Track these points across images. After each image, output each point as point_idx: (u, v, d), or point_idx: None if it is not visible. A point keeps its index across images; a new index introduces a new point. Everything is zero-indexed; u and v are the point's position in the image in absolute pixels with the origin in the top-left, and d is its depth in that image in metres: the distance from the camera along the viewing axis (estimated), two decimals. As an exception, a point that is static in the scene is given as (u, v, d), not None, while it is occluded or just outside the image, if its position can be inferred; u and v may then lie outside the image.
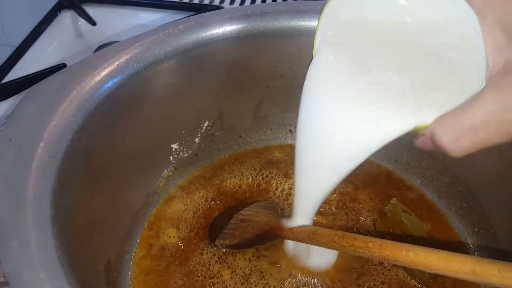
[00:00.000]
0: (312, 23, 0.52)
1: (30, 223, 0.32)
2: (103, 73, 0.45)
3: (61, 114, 0.40)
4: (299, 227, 0.45)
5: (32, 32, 0.83)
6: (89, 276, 0.38)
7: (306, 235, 0.44)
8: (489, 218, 0.50)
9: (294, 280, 0.48)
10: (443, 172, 0.55)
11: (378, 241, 0.38)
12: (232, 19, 0.51)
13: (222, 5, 0.92)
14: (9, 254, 0.30)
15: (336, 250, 0.43)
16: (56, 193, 0.35)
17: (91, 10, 0.88)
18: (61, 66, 0.75)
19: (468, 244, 0.52)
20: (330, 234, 0.42)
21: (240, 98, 0.58)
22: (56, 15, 0.89)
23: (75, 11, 0.88)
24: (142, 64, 0.47)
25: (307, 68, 0.55)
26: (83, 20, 0.88)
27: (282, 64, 0.56)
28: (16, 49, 0.79)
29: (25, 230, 0.31)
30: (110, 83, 0.45)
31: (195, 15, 0.53)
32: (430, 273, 0.46)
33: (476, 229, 0.52)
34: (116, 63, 0.46)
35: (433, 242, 0.51)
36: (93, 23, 0.86)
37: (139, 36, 0.49)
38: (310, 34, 0.52)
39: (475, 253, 0.51)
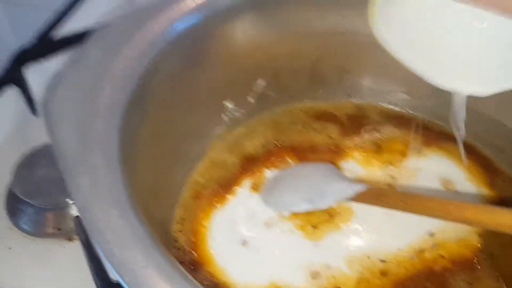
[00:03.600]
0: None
1: (99, 162, 0.31)
2: (166, 19, 0.43)
3: (125, 59, 0.39)
4: (366, 189, 0.43)
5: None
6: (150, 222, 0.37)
7: (373, 197, 0.42)
8: None
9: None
10: None
11: (456, 202, 0.36)
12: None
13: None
14: (80, 190, 0.29)
15: (406, 211, 0.40)
16: (122, 135, 0.34)
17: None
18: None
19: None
20: (401, 195, 0.40)
21: (297, 56, 0.55)
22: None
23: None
24: (205, 13, 0.45)
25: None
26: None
27: (344, 20, 0.53)
28: (62, 11, 0.78)
29: (95, 168, 0.30)
30: (173, 30, 0.43)
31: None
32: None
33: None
34: (179, 10, 0.44)
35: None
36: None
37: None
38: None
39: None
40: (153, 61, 0.41)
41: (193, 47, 0.45)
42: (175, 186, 0.50)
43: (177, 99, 0.47)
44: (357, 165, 0.53)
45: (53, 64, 0.69)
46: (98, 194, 0.29)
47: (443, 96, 0.55)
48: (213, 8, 0.45)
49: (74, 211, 0.52)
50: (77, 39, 0.67)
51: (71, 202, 0.52)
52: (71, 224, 0.52)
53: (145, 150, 0.40)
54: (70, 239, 0.53)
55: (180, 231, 0.47)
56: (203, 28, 0.45)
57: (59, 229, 0.54)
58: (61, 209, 0.54)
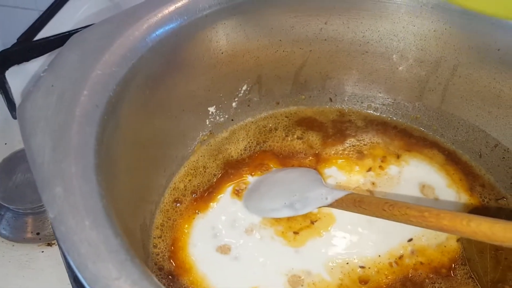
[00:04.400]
0: (364, -18, 0.49)
1: (74, 170, 0.30)
2: (146, 25, 0.43)
3: (104, 63, 0.38)
4: (345, 195, 0.43)
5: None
6: (127, 231, 0.37)
7: (351, 203, 0.42)
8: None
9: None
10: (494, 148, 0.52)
11: (434, 210, 0.36)
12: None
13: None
14: (54, 200, 0.28)
15: (384, 218, 0.40)
16: (98, 142, 0.34)
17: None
18: (93, 27, 0.74)
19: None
20: (379, 202, 0.40)
21: (281, 62, 0.55)
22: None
23: (109, -27, 0.86)
24: (186, 18, 0.45)
25: (354, 32, 0.53)
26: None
27: (328, 27, 0.53)
28: (45, 12, 0.77)
29: (69, 177, 0.30)
30: (153, 35, 0.43)
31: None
32: (492, 276, 0.44)
33: (528, 207, 0.49)
34: (160, 15, 0.44)
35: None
36: (126, -16, 0.83)
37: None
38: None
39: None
40: (132, 67, 0.40)
41: (173, 52, 0.45)
42: (157, 192, 0.50)
43: (158, 105, 0.46)
44: (339, 172, 0.53)
45: (35, 66, 0.69)
46: (71, 204, 0.28)
47: (425, 102, 0.56)
48: (193, 13, 0.45)
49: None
50: (60, 42, 0.66)
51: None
52: (51, 229, 0.52)
53: (124, 156, 0.39)
54: (49, 244, 0.52)
55: (159, 237, 0.47)
56: (183, 33, 0.45)
57: (38, 234, 0.53)
58: (40, 214, 0.54)
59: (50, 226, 0.50)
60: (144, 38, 0.42)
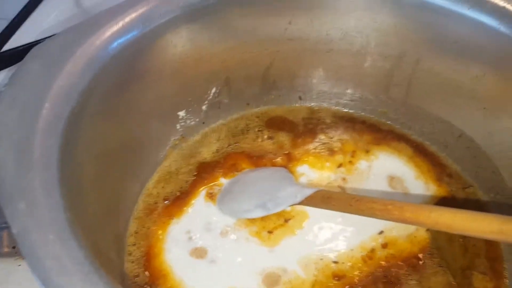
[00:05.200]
0: (324, -18, 0.50)
1: (37, 184, 0.30)
2: (108, 33, 0.43)
3: (66, 75, 0.38)
4: (314, 192, 0.44)
5: (28, 3, 0.80)
6: (98, 241, 0.37)
7: (321, 200, 0.43)
8: (506, 182, 0.48)
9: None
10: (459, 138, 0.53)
11: (398, 203, 0.37)
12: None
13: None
14: (17, 215, 0.28)
15: (352, 213, 0.41)
16: (62, 154, 0.34)
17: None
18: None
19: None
20: (347, 198, 0.41)
21: (248, 63, 0.56)
22: (55, -16, 0.86)
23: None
24: (148, 24, 0.45)
25: (319, 30, 0.54)
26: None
27: (292, 27, 0.54)
28: (12, 22, 0.76)
29: (32, 191, 0.30)
30: (115, 43, 0.43)
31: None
32: (461, 263, 0.45)
33: (492, 194, 0.50)
34: (121, 23, 0.44)
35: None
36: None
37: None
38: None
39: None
40: (94, 76, 0.40)
41: (137, 59, 0.45)
42: (130, 199, 0.50)
43: (124, 113, 0.46)
44: (310, 169, 0.54)
45: (5, 79, 0.68)
46: (35, 218, 0.28)
47: (391, 96, 0.57)
48: (155, 20, 0.45)
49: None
50: (24, 52, 0.65)
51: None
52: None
53: (92, 166, 0.39)
54: (24, 257, 0.52)
55: (134, 245, 0.47)
56: (146, 40, 0.45)
57: (14, 248, 0.52)
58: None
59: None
60: (106, 47, 0.42)
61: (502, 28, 0.44)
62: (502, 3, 0.44)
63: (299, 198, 0.45)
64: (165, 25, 0.47)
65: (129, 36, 0.44)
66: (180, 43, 0.49)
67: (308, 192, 0.45)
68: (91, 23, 0.43)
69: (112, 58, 0.42)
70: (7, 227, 0.52)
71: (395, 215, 0.37)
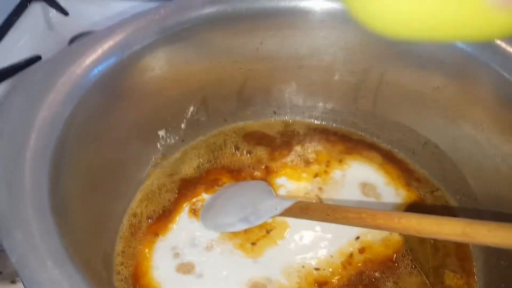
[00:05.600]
0: (292, 3, 0.53)
1: (31, 214, 0.32)
2: (88, 61, 0.44)
3: (49, 104, 0.40)
4: (292, 204, 0.46)
5: (0, 26, 0.81)
6: (89, 262, 0.38)
7: (299, 211, 0.46)
8: (470, 184, 0.52)
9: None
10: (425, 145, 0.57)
11: (370, 211, 0.40)
12: (213, 1, 0.51)
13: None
14: (14, 245, 0.30)
15: (329, 222, 0.44)
16: (51, 183, 0.35)
17: (61, 0, 0.86)
18: (36, 58, 0.74)
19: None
20: (323, 208, 0.44)
21: (223, 82, 0.58)
22: (26, 7, 0.87)
23: (46, 2, 0.86)
24: (126, 50, 0.47)
25: (289, 49, 0.57)
26: (54, 11, 0.86)
27: (264, 46, 0.56)
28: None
29: (27, 221, 0.31)
30: (95, 70, 0.44)
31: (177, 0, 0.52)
32: (433, 263, 0.48)
33: (458, 197, 0.54)
34: (100, 50, 0.45)
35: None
36: (65, 12, 0.84)
37: (120, 22, 0.48)
38: (290, 14, 0.53)
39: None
40: (77, 104, 0.41)
41: (117, 84, 0.47)
42: (115, 219, 0.51)
43: (106, 135, 0.48)
44: (288, 180, 0.57)
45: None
46: (32, 246, 0.30)
47: (359, 108, 0.61)
48: (132, 45, 0.47)
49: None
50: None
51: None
52: (13, 267, 0.52)
53: (79, 190, 0.41)
54: (13, 281, 0.52)
55: (121, 264, 0.48)
56: (125, 65, 0.46)
57: (1, 273, 0.53)
58: (1, 252, 0.53)
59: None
60: (87, 75, 0.44)
61: (459, 43, 0.48)
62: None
63: (279, 210, 0.48)
64: (142, 50, 0.48)
65: (108, 63, 0.45)
66: (157, 65, 0.51)
67: (287, 204, 0.47)
68: (71, 52, 0.44)
69: (94, 85, 0.44)
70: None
71: (369, 223, 0.39)
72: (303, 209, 0.45)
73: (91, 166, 0.44)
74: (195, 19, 0.51)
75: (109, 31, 0.47)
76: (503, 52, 0.45)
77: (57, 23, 0.86)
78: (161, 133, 0.56)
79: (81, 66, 0.44)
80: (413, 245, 0.50)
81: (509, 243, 0.31)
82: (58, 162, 0.37)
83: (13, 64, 0.72)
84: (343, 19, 0.53)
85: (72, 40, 0.76)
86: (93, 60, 0.44)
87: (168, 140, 0.57)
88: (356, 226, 0.41)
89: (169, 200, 0.55)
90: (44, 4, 0.87)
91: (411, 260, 0.50)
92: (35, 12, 0.87)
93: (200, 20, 0.51)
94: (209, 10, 0.51)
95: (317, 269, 0.49)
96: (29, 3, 0.88)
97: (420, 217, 0.36)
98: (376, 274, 0.48)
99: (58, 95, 0.41)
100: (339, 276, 0.48)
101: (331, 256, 0.50)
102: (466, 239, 0.34)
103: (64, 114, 0.40)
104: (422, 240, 0.51)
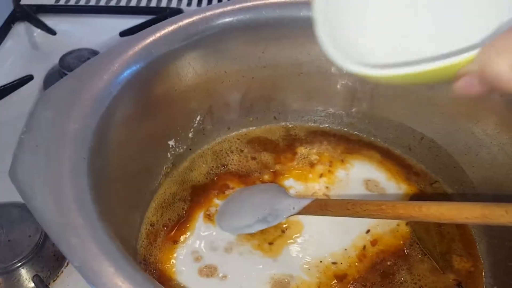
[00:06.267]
0: (293, 13, 0.56)
1: (82, 222, 0.33)
2: (106, 76, 0.45)
3: (78, 117, 0.41)
4: (311, 202, 0.49)
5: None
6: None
7: (318, 208, 0.48)
8: (467, 174, 0.56)
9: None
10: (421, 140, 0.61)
11: (390, 202, 0.43)
12: (221, 14, 0.53)
13: (180, 7, 0.94)
14: (74, 250, 0.31)
15: (349, 217, 0.46)
16: (94, 191, 0.36)
17: (46, 20, 0.86)
18: (28, 78, 0.74)
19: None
20: (343, 203, 0.46)
21: (228, 91, 0.60)
22: (10, 28, 0.86)
23: (31, 23, 0.86)
24: (142, 64, 0.48)
25: (289, 56, 0.59)
26: (38, 31, 0.86)
27: (265, 55, 0.59)
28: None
29: (80, 228, 0.32)
30: (116, 84, 0.45)
31: (179, 15, 0.54)
32: (440, 249, 0.51)
33: (456, 187, 0.58)
34: (116, 65, 0.47)
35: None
36: (52, 32, 0.84)
37: (133, 38, 0.50)
38: (291, 23, 0.56)
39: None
40: (101, 117, 0.43)
41: (135, 98, 0.48)
42: (134, 229, 0.52)
43: (125, 148, 0.48)
44: (296, 182, 0.59)
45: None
46: (91, 252, 0.31)
47: (357, 109, 0.64)
48: (152, 54, 0.48)
49: (25, 273, 0.52)
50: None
51: (18, 264, 0.52)
52: (24, 286, 0.52)
53: (113, 199, 0.42)
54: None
55: (144, 271, 0.49)
56: (148, 75, 0.48)
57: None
58: (12, 272, 0.53)
59: (22, 284, 0.50)
60: (107, 89, 0.45)
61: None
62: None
63: (297, 209, 0.50)
64: (154, 64, 0.50)
65: (126, 76, 0.47)
66: (168, 78, 0.53)
67: (305, 202, 0.50)
68: (90, 67, 0.46)
69: (114, 98, 0.45)
70: (5, 272, 0.53)
71: (389, 213, 0.42)
72: (322, 206, 0.48)
73: (116, 175, 0.45)
74: (202, 32, 0.53)
75: (125, 46, 0.48)
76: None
77: (43, 42, 0.87)
78: (171, 142, 0.58)
79: (101, 81, 0.45)
80: (420, 234, 0.54)
81: (525, 221, 0.34)
82: (95, 172, 0.38)
83: (4, 84, 0.72)
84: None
85: (63, 59, 0.76)
86: (112, 74, 0.46)
87: (177, 149, 0.59)
88: (377, 218, 0.44)
89: (183, 207, 0.56)
90: (28, 24, 0.87)
91: (420, 248, 0.53)
92: (20, 33, 0.87)
93: (207, 32, 0.53)
94: (215, 22, 0.54)
95: (334, 263, 0.51)
96: (13, 24, 0.87)
97: (439, 204, 0.39)
98: (390, 263, 0.51)
99: (84, 109, 0.42)
100: (356, 269, 0.51)
101: (346, 249, 0.52)
102: (485, 221, 0.36)
103: (92, 126, 0.41)
104: (427, 229, 0.54)
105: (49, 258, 0.53)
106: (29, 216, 0.53)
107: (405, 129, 0.62)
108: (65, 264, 0.53)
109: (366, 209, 0.44)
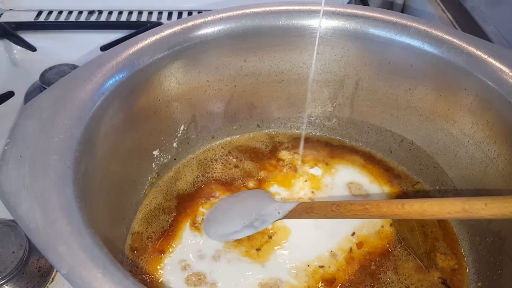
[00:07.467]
0: (272, 23, 0.57)
1: (69, 229, 0.33)
2: (90, 87, 0.46)
3: (62, 127, 0.41)
4: (296, 205, 0.49)
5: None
6: None
7: (304, 211, 0.49)
8: (447, 173, 0.57)
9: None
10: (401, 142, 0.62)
11: (374, 202, 0.44)
12: (202, 24, 0.54)
13: (161, 21, 0.94)
14: (61, 258, 0.30)
15: (334, 218, 0.47)
16: (79, 199, 0.36)
17: (26, 37, 0.86)
18: (9, 94, 0.73)
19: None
20: (328, 205, 0.47)
21: (211, 100, 0.61)
22: (-11, 46, 0.86)
23: (11, 40, 0.85)
24: (124, 74, 0.49)
25: (270, 65, 0.61)
26: (19, 47, 0.86)
27: (247, 64, 0.60)
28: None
29: (67, 236, 0.32)
30: (99, 94, 0.46)
31: (161, 26, 0.55)
32: (424, 248, 0.52)
33: (437, 186, 0.59)
34: (99, 76, 0.47)
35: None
36: (33, 49, 0.84)
37: (115, 50, 0.50)
38: (271, 32, 0.57)
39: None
40: (86, 126, 0.43)
41: (119, 108, 0.48)
42: (120, 241, 0.52)
43: (109, 158, 0.48)
44: (280, 188, 0.60)
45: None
46: (79, 259, 0.31)
47: (338, 115, 0.65)
48: (134, 68, 0.49)
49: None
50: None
51: (2, 282, 0.51)
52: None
53: (97, 209, 0.41)
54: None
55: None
56: (131, 86, 0.48)
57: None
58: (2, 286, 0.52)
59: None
60: (92, 99, 0.45)
61: (425, 47, 0.54)
62: (423, 27, 0.53)
63: (283, 213, 0.50)
64: (138, 73, 0.50)
65: (110, 87, 0.47)
66: (152, 89, 0.53)
67: (291, 206, 0.50)
68: (74, 79, 0.46)
69: (98, 108, 0.45)
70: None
71: (374, 212, 0.43)
72: (307, 209, 0.48)
73: (102, 185, 0.45)
74: (183, 42, 0.54)
75: (107, 56, 0.48)
76: (468, 52, 0.51)
77: (23, 59, 0.86)
78: (156, 152, 0.58)
79: (84, 91, 0.45)
80: (405, 235, 0.55)
81: (505, 213, 0.35)
82: (80, 180, 0.38)
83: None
84: (319, 36, 0.58)
85: (43, 74, 0.76)
86: (96, 84, 0.46)
87: (162, 159, 0.59)
88: (362, 217, 0.45)
89: (169, 218, 0.56)
90: (7, 41, 0.87)
91: (405, 248, 0.54)
92: (-1, 50, 0.87)
93: (189, 42, 0.54)
94: (196, 32, 0.54)
95: (321, 266, 0.52)
96: (-8, 43, 0.87)
97: (421, 201, 0.40)
98: (377, 264, 0.52)
99: (68, 119, 0.42)
100: (344, 272, 0.51)
101: (332, 252, 0.53)
102: (466, 215, 0.37)
103: (77, 136, 0.41)
104: (411, 229, 0.55)
105: (33, 274, 0.52)
106: (12, 233, 0.52)
107: (385, 132, 0.63)
108: (50, 280, 0.52)
109: (351, 210, 0.45)
